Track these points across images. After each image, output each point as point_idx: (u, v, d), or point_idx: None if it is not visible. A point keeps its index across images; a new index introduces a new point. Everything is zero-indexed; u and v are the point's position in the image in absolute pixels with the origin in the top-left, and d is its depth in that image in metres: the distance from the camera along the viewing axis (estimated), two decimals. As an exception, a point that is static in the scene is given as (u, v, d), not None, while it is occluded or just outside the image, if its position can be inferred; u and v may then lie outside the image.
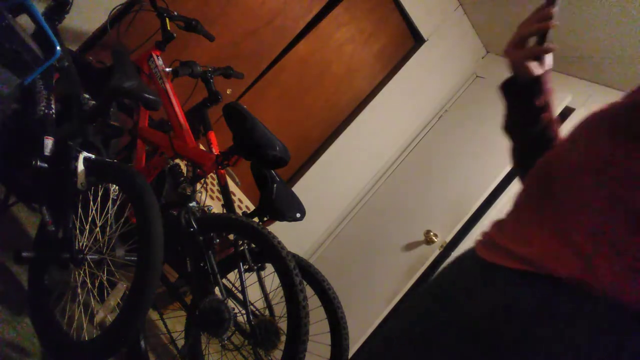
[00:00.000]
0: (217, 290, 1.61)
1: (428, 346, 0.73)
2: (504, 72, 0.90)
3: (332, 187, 3.38)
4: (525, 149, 0.93)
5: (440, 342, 0.72)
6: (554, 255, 0.64)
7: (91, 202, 1.51)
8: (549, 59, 0.84)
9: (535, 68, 0.83)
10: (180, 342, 1.88)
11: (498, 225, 0.79)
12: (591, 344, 0.58)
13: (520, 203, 0.78)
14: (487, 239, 0.78)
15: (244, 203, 2.59)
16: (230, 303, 1.59)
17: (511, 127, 0.93)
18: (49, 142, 1.50)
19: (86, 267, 1.44)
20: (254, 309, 1.81)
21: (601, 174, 0.65)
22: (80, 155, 1.47)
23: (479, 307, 0.69)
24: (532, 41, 0.83)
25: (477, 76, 3.63)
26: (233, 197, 2.26)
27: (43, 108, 1.53)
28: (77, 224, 1.46)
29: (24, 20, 1.52)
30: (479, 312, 0.68)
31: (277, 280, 1.52)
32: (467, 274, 0.76)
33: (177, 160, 1.90)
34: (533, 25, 0.80)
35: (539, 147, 0.88)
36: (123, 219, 1.55)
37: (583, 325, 0.58)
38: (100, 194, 1.53)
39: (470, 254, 0.79)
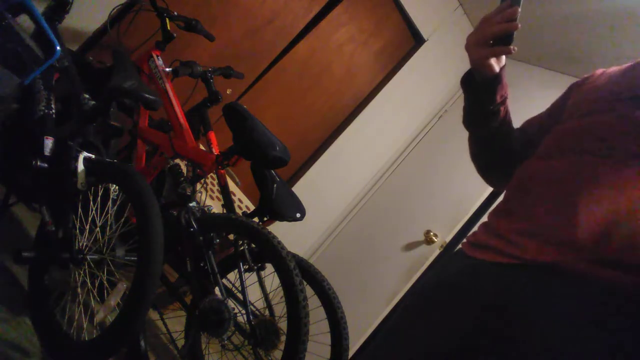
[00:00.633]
0: (217, 290, 1.61)
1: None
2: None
3: (332, 187, 3.38)
4: (485, 141, 0.99)
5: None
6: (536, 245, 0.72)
7: (91, 202, 1.51)
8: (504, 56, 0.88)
9: (495, 64, 0.87)
10: (180, 342, 1.87)
11: (484, 226, 0.86)
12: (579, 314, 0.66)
13: (504, 204, 0.86)
14: (474, 239, 0.85)
15: (244, 203, 2.59)
16: (230, 303, 1.59)
17: (471, 120, 0.98)
18: (49, 142, 1.50)
19: (86, 267, 1.44)
20: (254, 309, 1.81)
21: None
22: (80, 155, 1.47)
23: (477, 296, 0.75)
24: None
25: (477, 76, 3.63)
26: (233, 197, 2.26)
27: (43, 108, 1.53)
28: (77, 224, 1.46)
29: (24, 20, 1.52)
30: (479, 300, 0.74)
31: (277, 280, 1.52)
32: (456, 271, 0.82)
33: (177, 160, 1.90)
34: (499, 25, 0.82)
35: (498, 138, 0.96)
36: (123, 219, 1.55)
37: (573, 300, 0.67)
38: (100, 194, 1.53)
39: (457, 255, 0.86)
